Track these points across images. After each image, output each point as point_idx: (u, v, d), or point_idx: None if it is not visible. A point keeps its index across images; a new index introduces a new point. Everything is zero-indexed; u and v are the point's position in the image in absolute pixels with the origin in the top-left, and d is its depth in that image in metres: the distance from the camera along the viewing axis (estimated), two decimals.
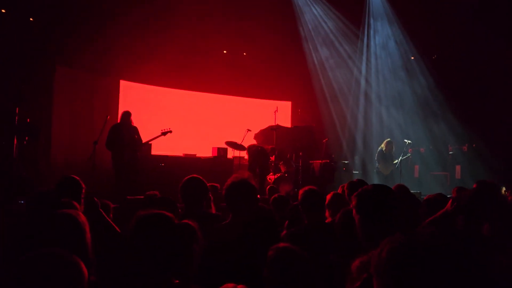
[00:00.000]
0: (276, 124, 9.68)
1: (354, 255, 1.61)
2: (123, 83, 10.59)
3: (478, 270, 0.82)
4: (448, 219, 2.41)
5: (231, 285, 1.41)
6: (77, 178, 3.18)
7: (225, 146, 9.16)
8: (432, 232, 0.86)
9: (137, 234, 1.67)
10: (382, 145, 9.63)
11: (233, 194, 2.54)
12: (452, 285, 0.78)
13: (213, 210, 3.49)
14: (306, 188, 3.33)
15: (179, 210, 3.39)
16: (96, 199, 3.25)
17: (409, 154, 9.87)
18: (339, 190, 4.17)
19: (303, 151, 9.63)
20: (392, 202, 1.87)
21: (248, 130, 9.20)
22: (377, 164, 9.69)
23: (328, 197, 3.47)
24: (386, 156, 9.51)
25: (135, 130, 7.63)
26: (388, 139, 9.72)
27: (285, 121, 12.14)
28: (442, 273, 0.79)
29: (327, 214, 3.48)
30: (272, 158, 9.29)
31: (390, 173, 9.45)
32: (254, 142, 9.86)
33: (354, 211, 1.93)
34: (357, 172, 10.61)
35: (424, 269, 0.80)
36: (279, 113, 9.91)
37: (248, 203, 2.52)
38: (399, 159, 9.46)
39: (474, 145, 10.67)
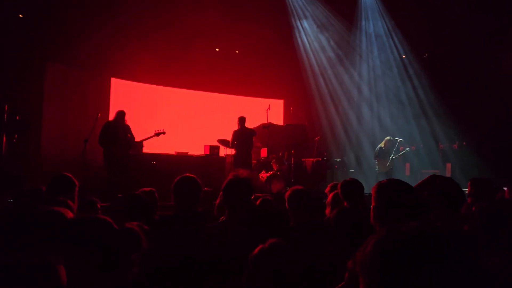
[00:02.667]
0: (268, 122, 9.68)
1: (349, 253, 1.63)
2: (114, 81, 10.51)
3: (465, 263, 0.81)
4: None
5: None
6: (70, 175, 3.15)
7: (217, 144, 9.13)
8: (418, 225, 0.85)
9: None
10: (382, 143, 9.69)
11: (232, 191, 2.53)
12: (439, 279, 0.78)
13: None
14: (293, 188, 3.37)
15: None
16: (95, 198, 3.22)
17: (407, 149, 9.97)
18: (326, 190, 4.20)
19: (295, 149, 9.64)
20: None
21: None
22: (376, 162, 9.75)
23: (330, 196, 3.53)
24: (385, 154, 9.58)
25: (127, 128, 7.60)
26: (388, 137, 9.76)
27: (278, 119, 12.14)
28: (429, 267, 0.78)
29: (327, 211, 3.52)
30: (264, 155, 9.29)
31: (389, 171, 9.51)
32: None
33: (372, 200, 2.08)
34: (351, 170, 10.65)
35: (410, 263, 0.79)
36: (271, 111, 9.91)
37: (246, 200, 2.52)
38: (391, 157, 9.51)
39: (464, 143, 10.77)
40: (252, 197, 2.70)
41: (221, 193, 3.72)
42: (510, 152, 9.47)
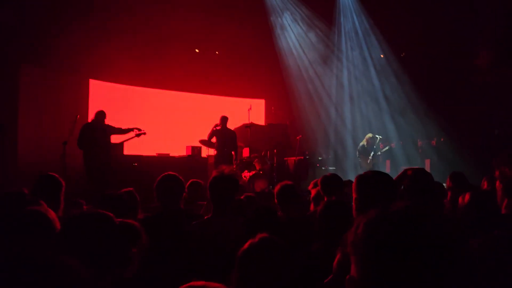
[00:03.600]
0: (250, 122, 9.69)
1: (336, 245, 1.64)
2: (92, 82, 10.34)
3: (455, 243, 0.83)
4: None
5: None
6: (56, 175, 3.09)
7: (199, 145, 9.09)
8: (408, 205, 0.86)
9: (66, 236, 1.52)
10: (364, 141, 9.83)
11: (217, 188, 2.53)
12: (431, 256, 0.79)
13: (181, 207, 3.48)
14: (282, 183, 3.39)
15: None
16: (81, 200, 3.17)
17: (388, 146, 10.14)
18: (309, 187, 4.23)
19: (277, 148, 9.68)
20: (390, 185, 2.04)
21: (216, 124, 9.00)
22: (359, 159, 9.88)
23: (314, 192, 3.57)
24: (367, 151, 9.71)
25: (109, 128, 7.50)
26: (370, 134, 9.91)
27: (259, 119, 12.15)
28: (421, 245, 0.80)
29: (312, 208, 3.55)
30: (247, 154, 9.29)
31: (372, 167, 9.65)
32: None
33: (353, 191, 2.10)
34: (333, 168, 10.75)
35: (402, 241, 0.80)
36: (252, 111, 9.92)
37: (231, 197, 2.52)
38: (371, 154, 9.65)
39: (442, 139, 10.99)
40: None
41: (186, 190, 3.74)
42: (486, 147, 9.71)
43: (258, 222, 2.16)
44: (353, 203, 2.09)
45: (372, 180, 2.05)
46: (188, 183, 3.94)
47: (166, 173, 2.97)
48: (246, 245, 1.69)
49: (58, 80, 9.57)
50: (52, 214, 1.80)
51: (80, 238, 1.48)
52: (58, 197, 2.85)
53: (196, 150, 9.09)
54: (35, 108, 9.20)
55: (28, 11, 8.68)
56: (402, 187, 2.66)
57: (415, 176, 2.62)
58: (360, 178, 2.08)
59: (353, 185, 2.09)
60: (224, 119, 8.67)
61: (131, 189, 3.51)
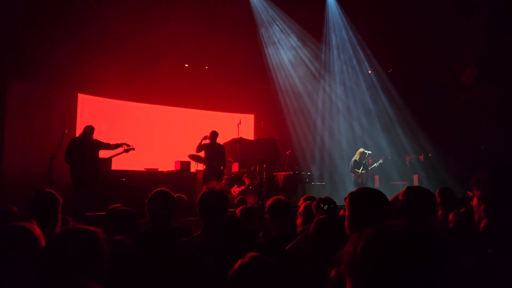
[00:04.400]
0: (239, 136, 9.68)
1: (329, 263, 1.63)
2: (81, 96, 10.27)
3: (455, 259, 0.82)
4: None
5: None
6: (53, 192, 3.04)
7: (188, 159, 9.03)
8: (407, 224, 0.85)
9: (49, 252, 1.55)
10: (356, 156, 9.91)
11: (207, 204, 2.50)
12: (432, 277, 0.78)
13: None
14: (275, 197, 3.36)
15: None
16: (67, 217, 3.13)
17: (380, 161, 10.21)
18: (300, 203, 4.22)
19: (267, 163, 9.67)
20: (382, 202, 2.01)
21: (205, 136, 8.96)
22: (352, 174, 9.94)
23: (302, 206, 3.54)
24: (359, 166, 9.79)
25: (97, 144, 7.42)
26: (361, 149, 9.99)
27: (248, 133, 12.16)
28: (423, 265, 0.79)
29: (298, 222, 3.52)
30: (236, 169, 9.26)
31: (365, 181, 9.70)
32: None
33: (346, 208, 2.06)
34: (323, 183, 10.75)
35: (403, 261, 0.79)
36: (242, 125, 9.93)
37: (221, 213, 2.50)
38: (361, 170, 9.70)
39: (430, 155, 11.11)
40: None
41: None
42: (473, 162, 9.84)
43: (228, 236, 2.14)
44: (345, 221, 2.06)
45: (365, 197, 2.02)
46: None
47: (158, 189, 2.94)
48: (236, 265, 1.67)
49: (46, 94, 9.49)
50: (37, 231, 1.77)
51: (64, 255, 1.49)
52: (55, 214, 2.81)
53: (185, 165, 9.02)
54: (23, 122, 9.08)
55: (16, 25, 8.63)
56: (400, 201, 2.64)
57: (411, 193, 2.61)
58: (352, 195, 2.05)
59: (346, 203, 2.06)
60: (214, 134, 8.66)
61: (119, 205, 3.47)
